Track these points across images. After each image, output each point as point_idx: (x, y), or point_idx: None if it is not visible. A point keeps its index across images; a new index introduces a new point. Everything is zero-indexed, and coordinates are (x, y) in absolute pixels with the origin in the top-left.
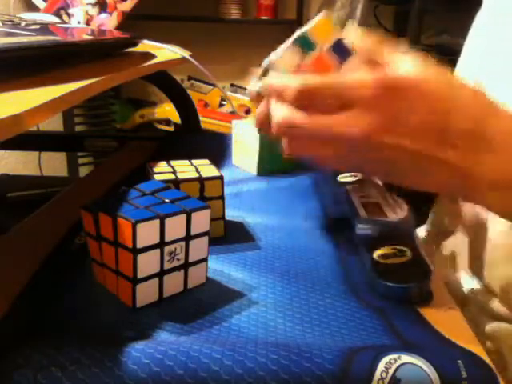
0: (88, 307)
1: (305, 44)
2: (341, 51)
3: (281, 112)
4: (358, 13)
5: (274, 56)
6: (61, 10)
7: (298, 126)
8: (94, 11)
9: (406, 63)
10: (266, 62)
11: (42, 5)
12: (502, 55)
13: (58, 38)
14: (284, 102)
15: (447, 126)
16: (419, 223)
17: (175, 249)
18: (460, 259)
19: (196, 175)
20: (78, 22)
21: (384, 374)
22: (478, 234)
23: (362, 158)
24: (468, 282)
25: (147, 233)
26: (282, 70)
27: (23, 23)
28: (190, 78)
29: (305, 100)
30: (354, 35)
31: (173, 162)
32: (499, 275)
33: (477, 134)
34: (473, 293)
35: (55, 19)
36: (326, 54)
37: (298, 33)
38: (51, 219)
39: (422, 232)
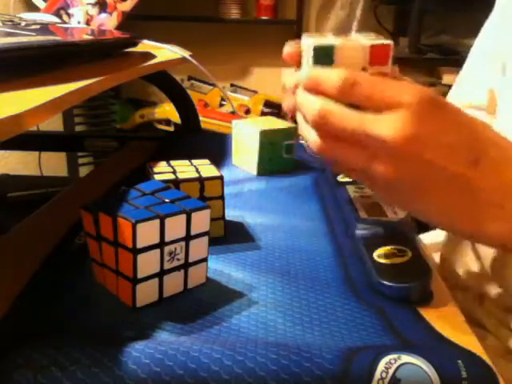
0: (88, 307)
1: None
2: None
3: (318, 101)
4: (358, 13)
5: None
6: (61, 10)
7: (335, 119)
8: (94, 11)
9: None
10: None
11: (42, 5)
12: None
13: (57, 38)
14: (323, 93)
15: (482, 155)
16: (422, 224)
17: (175, 249)
18: (477, 258)
19: (196, 175)
20: (78, 22)
21: (384, 374)
22: None
23: (389, 167)
24: (484, 281)
25: (147, 233)
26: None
27: (23, 23)
28: (189, 78)
29: (347, 92)
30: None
31: (173, 162)
32: None
33: (503, 171)
34: (488, 290)
35: (55, 19)
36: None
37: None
38: (51, 219)
39: (439, 236)
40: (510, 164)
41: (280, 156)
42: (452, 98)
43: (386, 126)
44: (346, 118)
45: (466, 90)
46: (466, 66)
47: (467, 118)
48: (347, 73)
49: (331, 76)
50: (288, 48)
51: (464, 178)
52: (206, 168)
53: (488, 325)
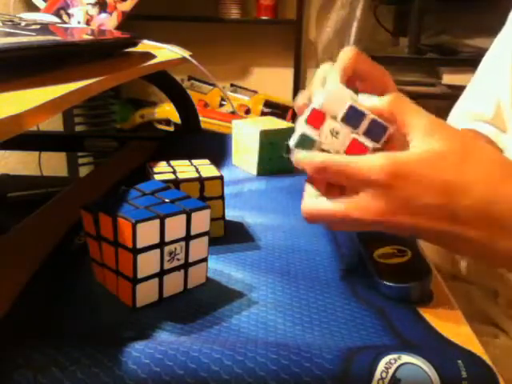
0: (88, 307)
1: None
2: (355, 117)
3: (304, 202)
4: (358, 13)
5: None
6: (61, 10)
7: (318, 216)
8: (94, 11)
9: (418, 132)
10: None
11: (42, 5)
12: None
13: (57, 38)
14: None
15: (456, 206)
16: None
17: (175, 249)
18: None
19: (196, 175)
20: (78, 22)
21: (384, 374)
22: None
23: (381, 229)
24: (498, 279)
25: (147, 233)
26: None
27: (23, 23)
28: (190, 78)
29: (322, 175)
30: (368, 99)
31: (173, 162)
32: None
33: (487, 213)
34: (502, 288)
35: (55, 19)
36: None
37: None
38: (51, 219)
39: None
40: (491, 205)
41: (280, 156)
42: (459, 108)
43: (363, 210)
44: (327, 213)
45: (474, 101)
46: (475, 77)
47: (436, 174)
48: (319, 161)
49: (310, 163)
50: (300, 99)
51: (453, 233)
52: (206, 168)
53: (502, 323)
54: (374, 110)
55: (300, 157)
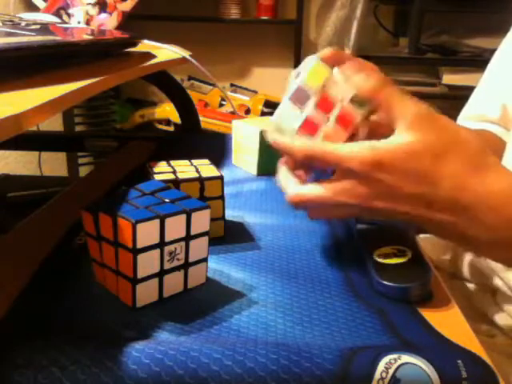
0: (88, 307)
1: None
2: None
3: (290, 189)
4: (358, 13)
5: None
6: (61, 10)
7: (305, 201)
8: (94, 11)
9: (403, 122)
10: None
11: (42, 5)
12: None
13: (57, 37)
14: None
15: (430, 195)
16: None
17: (175, 249)
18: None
19: (196, 175)
20: (78, 22)
21: (384, 374)
22: None
23: (362, 213)
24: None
25: (147, 233)
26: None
27: (23, 23)
28: (190, 78)
29: (307, 161)
30: (358, 78)
31: (173, 162)
32: None
33: (457, 203)
34: (500, 285)
35: (55, 19)
36: (348, 109)
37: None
38: (51, 219)
39: None
40: (460, 197)
41: (280, 156)
42: (466, 111)
43: (345, 195)
44: (314, 198)
45: (481, 104)
46: (483, 78)
47: (412, 167)
48: (303, 150)
49: (292, 151)
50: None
51: (427, 217)
52: (206, 168)
53: (499, 321)
54: (359, 90)
55: (279, 141)
